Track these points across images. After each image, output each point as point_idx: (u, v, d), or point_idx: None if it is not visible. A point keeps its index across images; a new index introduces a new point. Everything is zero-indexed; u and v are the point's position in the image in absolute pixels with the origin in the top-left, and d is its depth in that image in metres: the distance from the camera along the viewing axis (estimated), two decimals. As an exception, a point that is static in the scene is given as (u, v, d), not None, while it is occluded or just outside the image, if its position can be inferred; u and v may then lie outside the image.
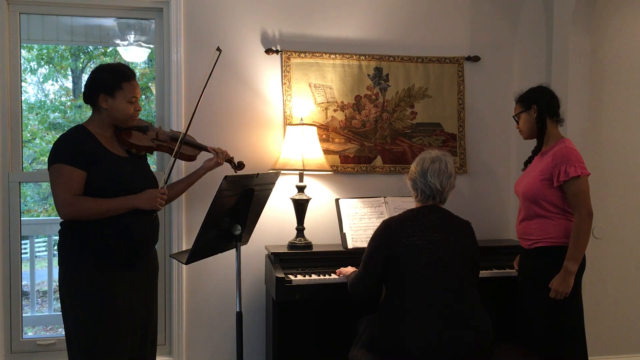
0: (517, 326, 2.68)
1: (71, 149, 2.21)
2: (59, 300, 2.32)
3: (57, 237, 2.34)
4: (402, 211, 2.47)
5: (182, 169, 3.12)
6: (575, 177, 2.48)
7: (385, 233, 2.35)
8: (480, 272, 2.88)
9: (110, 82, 2.28)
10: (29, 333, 4.21)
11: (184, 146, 2.57)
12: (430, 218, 2.37)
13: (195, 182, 2.72)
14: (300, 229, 3.05)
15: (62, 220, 2.28)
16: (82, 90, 2.37)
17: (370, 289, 2.42)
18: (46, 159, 2.28)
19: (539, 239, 2.59)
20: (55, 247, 2.59)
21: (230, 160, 2.77)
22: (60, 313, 2.33)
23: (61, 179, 2.17)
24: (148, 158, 2.56)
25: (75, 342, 2.22)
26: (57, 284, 2.32)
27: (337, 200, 3.09)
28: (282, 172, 2.90)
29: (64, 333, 2.30)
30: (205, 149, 2.70)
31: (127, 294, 2.26)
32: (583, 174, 2.49)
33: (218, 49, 2.55)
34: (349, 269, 2.73)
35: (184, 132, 2.51)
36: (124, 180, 2.25)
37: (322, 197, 3.29)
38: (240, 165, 2.82)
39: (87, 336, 2.19)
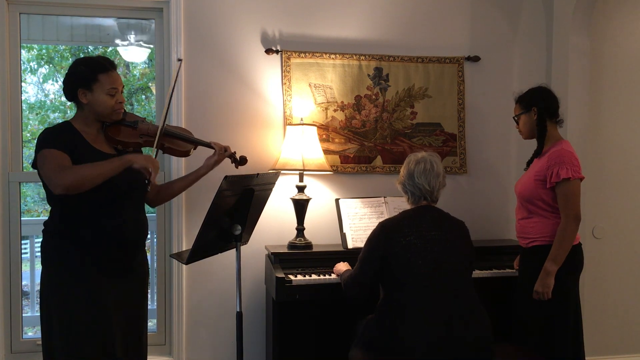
0: (512, 325, 2.68)
1: (53, 135, 2.17)
2: (39, 301, 2.23)
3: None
4: (401, 211, 2.48)
5: (182, 167, 3.12)
6: (566, 179, 2.48)
7: (381, 234, 2.35)
8: (481, 272, 2.90)
9: (86, 75, 2.20)
10: (29, 333, 4.20)
11: (176, 140, 2.47)
12: (426, 217, 2.37)
13: (196, 182, 2.65)
14: (300, 229, 3.05)
15: (46, 220, 2.24)
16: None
17: (365, 289, 2.42)
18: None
19: (536, 238, 2.60)
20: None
21: (232, 156, 2.63)
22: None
23: (49, 159, 2.09)
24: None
25: (58, 345, 2.14)
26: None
27: (337, 200, 3.08)
28: (282, 172, 2.89)
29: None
30: (203, 144, 2.56)
31: (115, 295, 2.21)
32: (574, 177, 2.49)
33: (179, 60, 2.53)
34: (342, 266, 2.73)
35: (162, 124, 2.38)
36: (110, 180, 2.13)
37: (322, 197, 3.29)
38: (242, 161, 2.68)
39: (72, 338, 2.12)
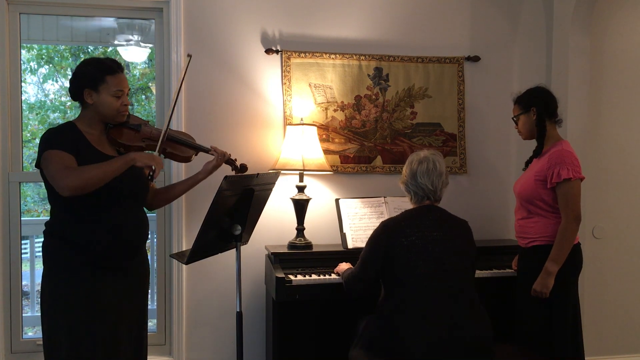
0: (513, 325, 2.69)
1: (58, 136, 2.17)
2: (40, 301, 2.23)
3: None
4: (402, 211, 2.48)
5: (183, 171, 3.12)
6: (567, 179, 2.48)
7: (383, 234, 2.35)
8: (481, 272, 2.90)
9: (93, 75, 2.20)
10: (29, 333, 4.20)
11: (178, 146, 2.48)
12: (429, 217, 2.37)
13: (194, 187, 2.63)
14: (300, 229, 3.05)
15: (47, 220, 2.24)
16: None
17: (366, 287, 2.43)
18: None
19: (535, 238, 2.61)
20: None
21: (231, 162, 2.63)
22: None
23: (54, 160, 2.09)
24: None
25: (60, 345, 2.14)
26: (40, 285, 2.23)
27: (337, 200, 3.08)
28: (282, 172, 2.89)
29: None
30: (203, 149, 2.56)
31: (115, 295, 2.21)
32: (575, 177, 2.49)
33: (189, 55, 2.51)
34: (344, 266, 2.74)
35: (165, 129, 2.38)
36: (111, 181, 2.12)
37: (322, 197, 3.29)
38: (243, 168, 2.67)
39: (75, 338, 2.12)
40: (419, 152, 2.48)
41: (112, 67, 2.23)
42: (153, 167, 2.15)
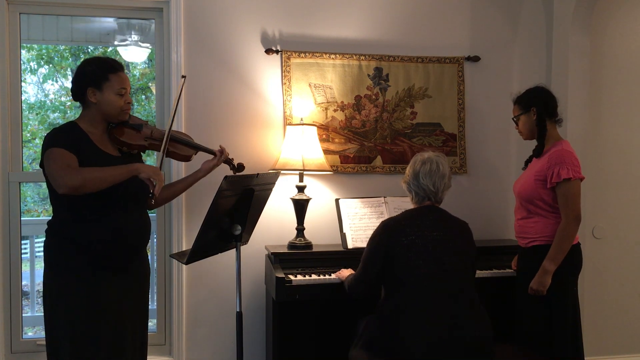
0: (513, 325, 2.69)
1: (60, 136, 2.18)
2: (42, 301, 2.24)
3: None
4: (402, 211, 2.48)
5: (182, 170, 3.12)
6: (566, 179, 2.48)
7: (384, 233, 2.35)
8: (480, 272, 2.89)
9: (96, 74, 2.22)
10: (29, 333, 4.20)
11: (179, 145, 2.52)
12: (429, 217, 2.37)
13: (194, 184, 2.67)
14: (300, 229, 3.05)
15: (50, 219, 2.25)
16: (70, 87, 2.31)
17: (369, 288, 2.43)
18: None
19: (535, 238, 2.61)
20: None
21: (229, 162, 2.68)
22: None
23: (56, 158, 2.09)
24: (148, 159, 2.52)
25: (62, 345, 2.15)
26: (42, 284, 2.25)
27: (337, 200, 3.08)
28: (282, 172, 2.89)
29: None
30: (203, 149, 2.61)
31: (116, 295, 2.21)
32: (575, 177, 2.49)
33: (183, 76, 2.59)
34: (345, 272, 2.74)
35: (168, 128, 2.41)
36: None
37: (322, 197, 3.29)
38: (240, 168, 2.71)
39: (77, 339, 2.13)
40: (423, 153, 2.48)
41: (114, 66, 2.26)
42: (154, 182, 2.14)
